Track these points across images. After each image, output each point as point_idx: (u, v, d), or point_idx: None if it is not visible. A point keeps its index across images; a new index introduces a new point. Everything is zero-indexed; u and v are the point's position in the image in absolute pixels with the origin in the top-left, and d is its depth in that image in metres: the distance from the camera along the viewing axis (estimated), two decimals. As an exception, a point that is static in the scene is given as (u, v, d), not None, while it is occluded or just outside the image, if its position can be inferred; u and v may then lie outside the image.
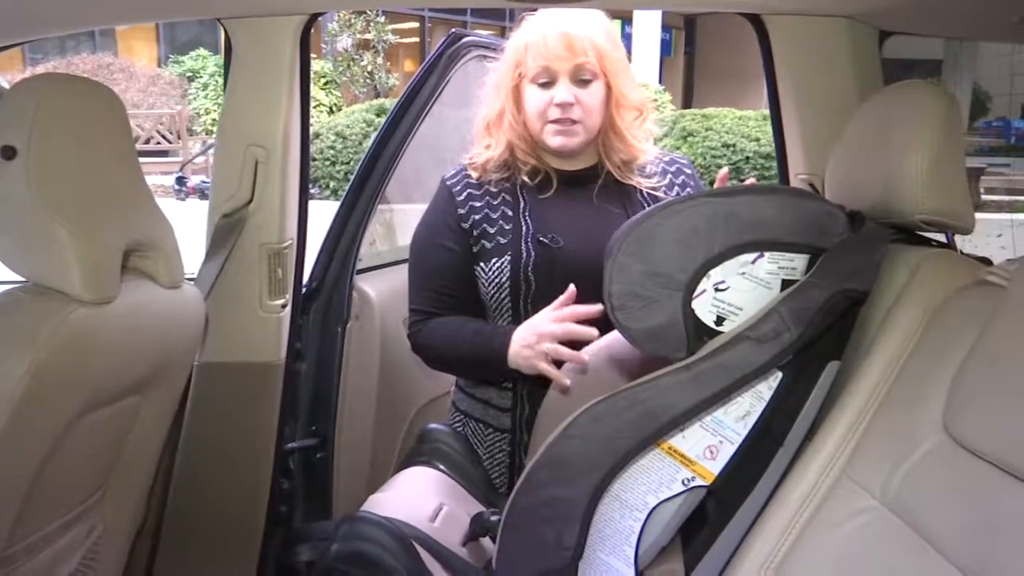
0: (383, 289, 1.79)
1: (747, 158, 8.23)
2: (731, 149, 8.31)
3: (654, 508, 0.85)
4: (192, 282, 1.37)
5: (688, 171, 1.42)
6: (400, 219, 2.09)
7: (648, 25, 13.05)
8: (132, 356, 1.13)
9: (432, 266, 1.38)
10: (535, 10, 1.35)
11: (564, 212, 1.35)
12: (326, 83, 11.50)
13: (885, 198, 0.97)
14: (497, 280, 1.32)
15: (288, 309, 1.54)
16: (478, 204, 1.37)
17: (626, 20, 13.57)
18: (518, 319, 1.32)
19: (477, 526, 1.07)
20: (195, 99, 11.30)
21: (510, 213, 1.35)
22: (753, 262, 0.88)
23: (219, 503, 1.54)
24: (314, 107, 10.91)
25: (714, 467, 0.85)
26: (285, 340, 1.54)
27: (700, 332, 0.88)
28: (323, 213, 1.77)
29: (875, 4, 1.26)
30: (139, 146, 10.50)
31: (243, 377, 1.50)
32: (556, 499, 0.83)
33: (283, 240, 1.47)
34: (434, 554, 1.00)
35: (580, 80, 1.30)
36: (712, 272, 0.88)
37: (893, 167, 0.96)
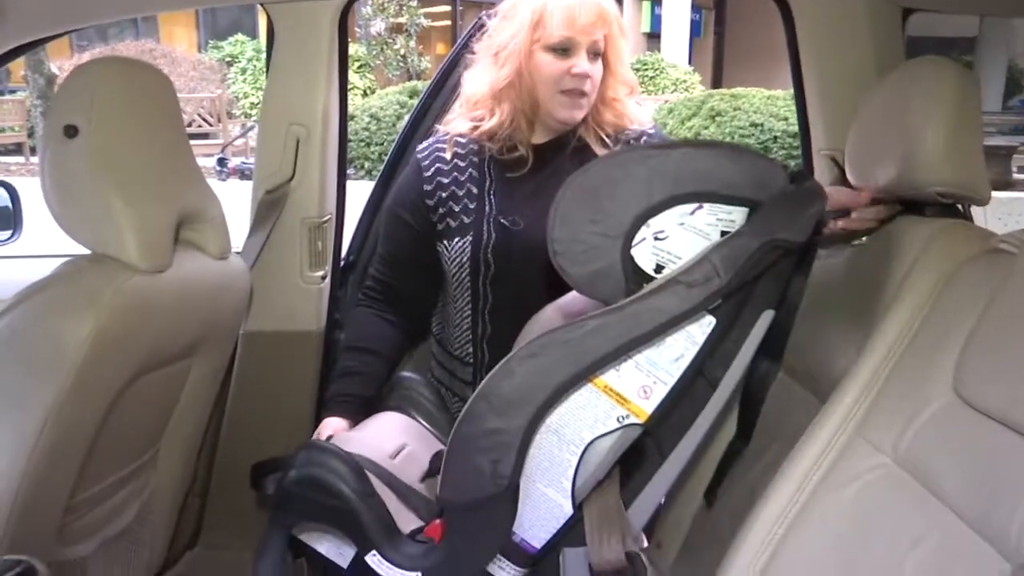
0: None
1: (775, 137, 8.13)
2: (759, 128, 8.22)
3: (590, 443, 0.89)
4: (238, 254, 1.44)
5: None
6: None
7: (678, 5, 12.88)
8: (184, 322, 1.20)
9: (390, 235, 1.43)
10: None
11: (529, 191, 1.36)
12: (360, 66, 11.59)
13: (902, 171, 1.00)
14: (458, 260, 1.35)
15: (327, 281, 1.61)
16: (446, 180, 1.38)
17: (656, 1, 13.42)
18: (477, 299, 1.36)
19: (435, 463, 1.11)
20: (234, 83, 11.46)
21: (475, 191, 1.37)
22: (692, 213, 0.90)
23: None
24: (349, 90, 11.01)
25: (647, 406, 0.89)
26: (325, 310, 1.61)
27: (639, 278, 0.91)
28: (359, 192, 1.83)
29: (897, -19, 1.28)
30: (181, 129, 10.71)
31: (285, 345, 1.58)
32: (493, 430, 0.87)
33: (323, 215, 1.54)
34: (389, 485, 1.05)
35: (592, 54, 1.32)
36: (651, 221, 0.90)
37: (910, 140, 0.98)
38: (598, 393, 0.88)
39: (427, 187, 1.38)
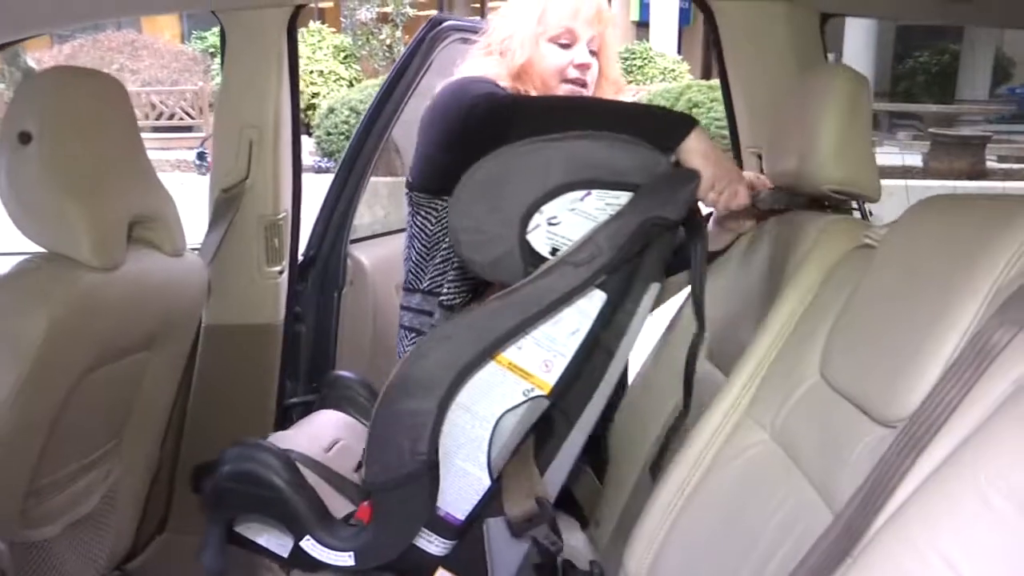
0: (375, 257, 1.93)
1: (751, 127, 8.21)
2: (736, 119, 8.31)
3: (500, 417, 0.96)
4: (196, 251, 1.51)
5: None
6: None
7: (667, -6, 12.90)
8: (138, 316, 1.27)
9: None
10: None
11: None
12: (346, 57, 11.58)
13: (801, 170, 1.09)
14: None
15: (285, 275, 1.68)
16: None
17: (645, -12, 13.42)
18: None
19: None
20: (218, 75, 11.42)
21: None
22: (582, 199, 0.97)
23: None
24: (334, 80, 11.01)
25: (550, 379, 0.96)
26: (283, 303, 1.68)
27: (536, 261, 0.98)
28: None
29: (811, -13, 1.35)
30: (163, 122, 10.66)
31: (245, 337, 1.65)
32: (408, 411, 0.94)
33: (278, 212, 1.61)
34: (322, 476, 1.12)
35: (591, 50, 1.41)
36: (544, 208, 0.97)
37: (806, 142, 1.07)
38: (503, 370, 0.96)
39: None
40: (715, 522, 0.93)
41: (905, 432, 0.62)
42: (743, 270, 1.24)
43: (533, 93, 1.41)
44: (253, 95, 1.52)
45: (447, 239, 1.40)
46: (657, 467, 1.29)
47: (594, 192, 0.97)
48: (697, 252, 1.06)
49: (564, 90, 1.40)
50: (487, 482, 0.98)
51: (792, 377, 0.91)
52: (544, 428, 1.02)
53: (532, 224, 0.97)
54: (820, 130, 1.05)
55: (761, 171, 1.32)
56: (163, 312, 1.34)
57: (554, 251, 0.97)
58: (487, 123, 1.17)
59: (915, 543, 0.53)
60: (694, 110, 8.34)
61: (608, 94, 1.46)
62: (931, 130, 8.97)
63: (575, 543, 1.36)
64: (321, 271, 1.85)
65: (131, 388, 1.37)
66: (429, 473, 0.96)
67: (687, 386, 1.19)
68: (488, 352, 0.94)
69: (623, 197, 0.97)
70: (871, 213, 1.19)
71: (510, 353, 0.96)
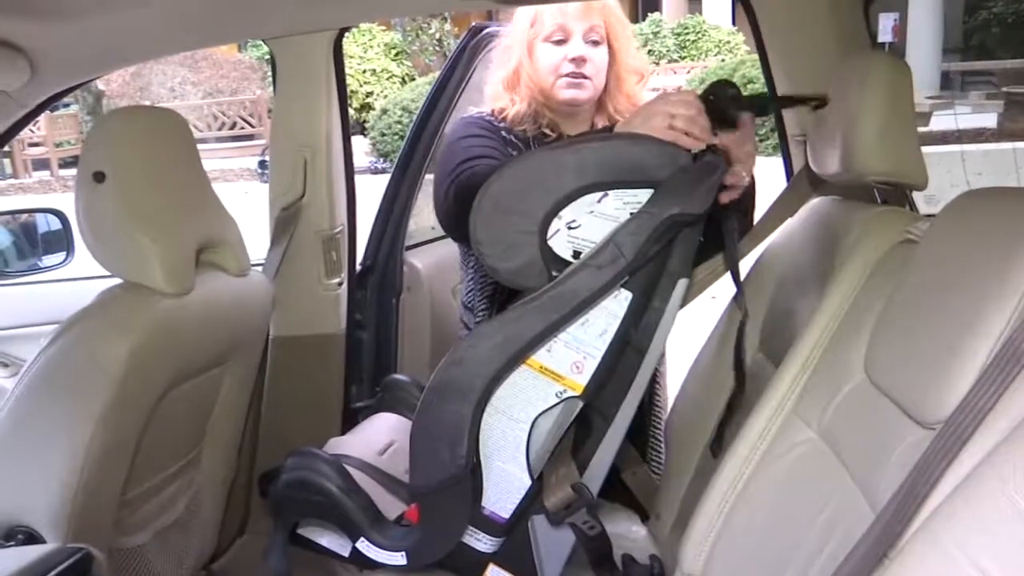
0: (430, 262, 1.98)
1: (809, 101, 7.97)
2: (791, 95, 8.08)
3: (536, 419, 1.00)
4: (260, 267, 1.59)
5: None
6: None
7: (720, -36, 12.58)
8: (210, 336, 1.35)
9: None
10: None
11: None
12: (397, 54, 11.72)
13: (844, 160, 1.08)
14: None
15: (344, 286, 1.75)
16: (509, 149, 1.45)
17: (693, -38, 13.11)
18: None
19: None
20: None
21: None
22: (599, 201, 0.98)
23: None
24: (387, 78, 11.17)
25: (581, 379, 0.99)
26: (344, 313, 1.75)
27: (559, 266, 0.99)
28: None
29: (855, -30, 1.32)
30: (224, 132, 11.03)
31: (310, 347, 1.72)
32: (445, 417, 0.98)
33: (334, 227, 1.67)
34: (375, 477, 1.17)
35: (591, 41, 1.42)
36: (562, 213, 0.98)
37: (848, 132, 1.06)
38: (534, 374, 0.99)
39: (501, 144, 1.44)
40: (764, 519, 0.95)
41: (940, 436, 0.62)
42: (790, 260, 1.24)
43: (516, 100, 1.45)
44: (304, 116, 1.59)
45: (473, 256, 1.47)
46: (716, 447, 1.30)
47: (611, 193, 0.98)
48: (731, 237, 1.08)
49: (562, 86, 1.42)
50: (528, 481, 1.02)
51: (838, 375, 0.92)
52: (581, 428, 1.05)
53: (552, 230, 0.99)
54: (861, 120, 1.04)
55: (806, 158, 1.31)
56: (233, 330, 1.41)
57: (576, 254, 0.99)
58: (457, 206, 1.26)
59: (946, 548, 0.55)
60: (748, 86, 8.14)
61: (630, 83, 1.48)
62: (1005, 89, 8.55)
63: (635, 537, 1.39)
64: (379, 278, 1.91)
65: (208, 402, 1.45)
66: (471, 475, 1.00)
67: (739, 370, 1.20)
68: (518, 356, 0.98)
69: (642, 195, 0.98)
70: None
71: (540, 356, 0.99)
